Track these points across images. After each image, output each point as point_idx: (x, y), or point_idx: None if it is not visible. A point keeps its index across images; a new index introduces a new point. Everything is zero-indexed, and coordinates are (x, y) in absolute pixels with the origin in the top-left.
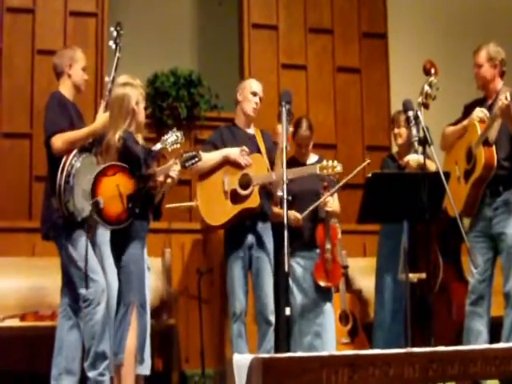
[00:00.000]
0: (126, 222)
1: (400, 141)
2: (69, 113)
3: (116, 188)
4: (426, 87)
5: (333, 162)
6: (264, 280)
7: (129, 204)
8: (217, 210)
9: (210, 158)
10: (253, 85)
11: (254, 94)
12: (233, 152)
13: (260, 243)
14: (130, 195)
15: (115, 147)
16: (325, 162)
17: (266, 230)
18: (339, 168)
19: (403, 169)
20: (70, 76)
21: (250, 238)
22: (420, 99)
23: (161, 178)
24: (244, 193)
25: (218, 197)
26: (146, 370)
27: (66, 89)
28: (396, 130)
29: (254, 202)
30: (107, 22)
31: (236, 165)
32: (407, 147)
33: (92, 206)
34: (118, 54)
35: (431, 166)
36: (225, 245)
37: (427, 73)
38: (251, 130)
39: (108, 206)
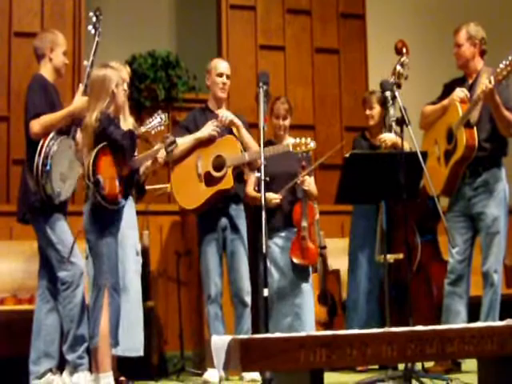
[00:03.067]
0: (121, 203)
1: (372, 122)
2: (51, 96)
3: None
4: (398, 67)
5: (306, 139)
6: (239, 262)
7: (125, 186)
8: (191, 194)
9: (181, 142)
10: (217, 66)
11: (220, 74)
12: (203, 132)
13: (233, 225)
14: (126, 176)
15: (92, 128)
16: (298, 140)
17: (239, 212)
18: (312, 145)
19: (376, 148)
20: (51, 60)
21: (224, 221)
22: (392, 79)
23: (149, 163)
24: (218, 174)
25: (192, 180)
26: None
27: (46, 72)
28: (368, 112)
29: (228, 183)
30: (84, 4)
31: (209, 147)
32: (379, 127)
33: (93, 184)
34: (97, 39)
35: (406, 146)
36: (198, 228)
37: (399, 52)
38: None
39: (107, 186)
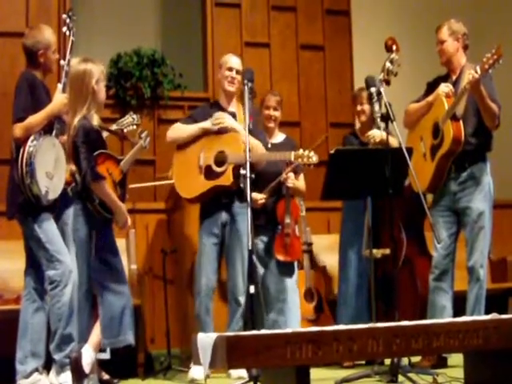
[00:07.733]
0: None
1: (363, 118)
2: (38, 94)
3: (109, 176)
4: (388, 64)
5: (309, 151)
6: (235, 259)
7: (120, 190)
8: (190, 183)
9: (189, 129)
10: (228, 60)
11: (230, 69)
12: (208, 124)
13: (234, 222)
14: (120, 181)
15: (71, 135)
16: (301, 151)
17: (242, 210)
18: (315, 159)
19: (366, 145)
20: (41, 62)
21: (225, 216)
22: (381, 76)
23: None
24: (218, 170)
25: (192, 170)
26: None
27: (36, 69)
28: (359, 107)
29: (226, 180)
30: (70, 4)
31: (214, 141)
32: (370, 124)
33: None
34: (72, 38)
35: (393, 143)
36: (200, 221)
37: (388, 49)
38: (233, 108)
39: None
